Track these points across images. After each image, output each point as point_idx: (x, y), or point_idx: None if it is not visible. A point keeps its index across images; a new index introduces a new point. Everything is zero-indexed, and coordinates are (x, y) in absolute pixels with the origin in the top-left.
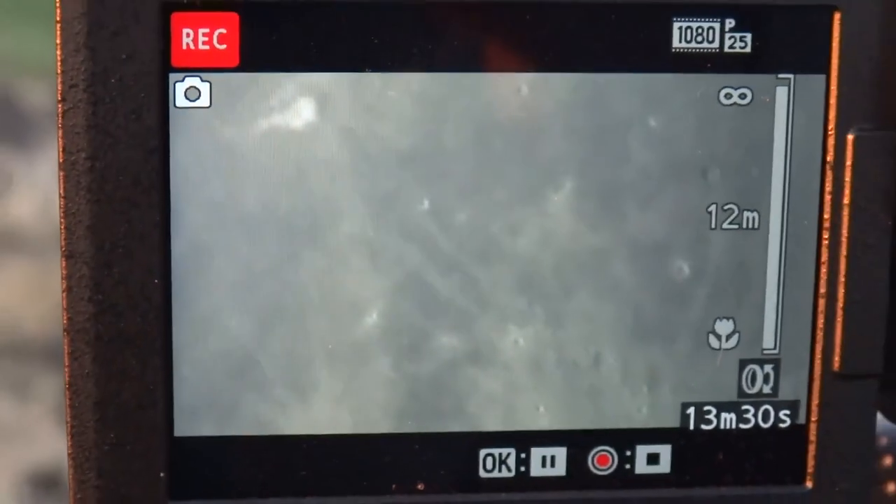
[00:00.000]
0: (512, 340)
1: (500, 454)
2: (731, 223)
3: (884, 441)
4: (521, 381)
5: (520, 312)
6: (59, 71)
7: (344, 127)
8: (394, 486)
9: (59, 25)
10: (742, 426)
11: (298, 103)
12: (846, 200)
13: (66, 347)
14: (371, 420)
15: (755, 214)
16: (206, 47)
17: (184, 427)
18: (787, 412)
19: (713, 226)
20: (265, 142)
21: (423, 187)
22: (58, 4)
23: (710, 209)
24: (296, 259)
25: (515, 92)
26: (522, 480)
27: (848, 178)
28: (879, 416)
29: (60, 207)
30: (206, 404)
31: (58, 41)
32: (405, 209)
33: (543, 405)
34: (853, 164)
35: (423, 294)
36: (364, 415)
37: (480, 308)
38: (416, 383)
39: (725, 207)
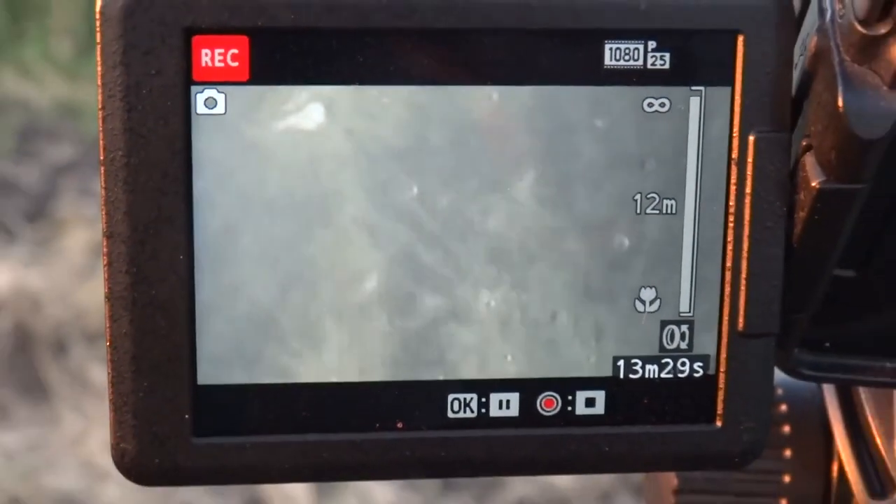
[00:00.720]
0: (485, 302)
1: (465, 398)
2: (653, 209)
3: (779, 391)
4: (492, 335)
5: (491, 279)
6: (99, 84)
7: (346, 128)
8: (377, 424)
9: (99, 46)
10: (663, 376)
11: (302, 111)
12: (748, 191)
13: (106, 312)
14: (370, 367)
15: (673, 202)
16: (222, 64)
17: (206, 376)
18: (700, 364)
19: (639, 211)
20: (272, 142)
21: (412, 177)
22: (98, 29)
23: (635, 197)
24: (308, 236)
25: (487, 100)
26: (482, 420)
27: (750, 172)
28: (777, 370)
29: (101, 196)
30: (225, 356)
31: (98, 59)
32: (397, 195)
33: (511, 355)
34: (754, 161)
35: (413, 264)
36: (364, 362)
37: (459, 275)
38: (407, 336)
39: (649, 196)
